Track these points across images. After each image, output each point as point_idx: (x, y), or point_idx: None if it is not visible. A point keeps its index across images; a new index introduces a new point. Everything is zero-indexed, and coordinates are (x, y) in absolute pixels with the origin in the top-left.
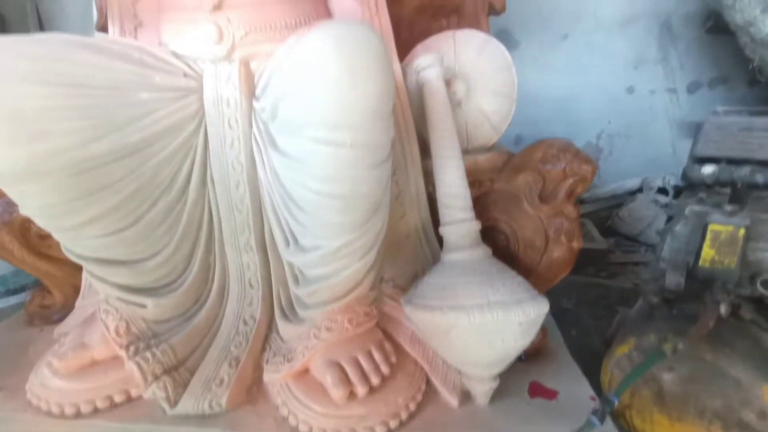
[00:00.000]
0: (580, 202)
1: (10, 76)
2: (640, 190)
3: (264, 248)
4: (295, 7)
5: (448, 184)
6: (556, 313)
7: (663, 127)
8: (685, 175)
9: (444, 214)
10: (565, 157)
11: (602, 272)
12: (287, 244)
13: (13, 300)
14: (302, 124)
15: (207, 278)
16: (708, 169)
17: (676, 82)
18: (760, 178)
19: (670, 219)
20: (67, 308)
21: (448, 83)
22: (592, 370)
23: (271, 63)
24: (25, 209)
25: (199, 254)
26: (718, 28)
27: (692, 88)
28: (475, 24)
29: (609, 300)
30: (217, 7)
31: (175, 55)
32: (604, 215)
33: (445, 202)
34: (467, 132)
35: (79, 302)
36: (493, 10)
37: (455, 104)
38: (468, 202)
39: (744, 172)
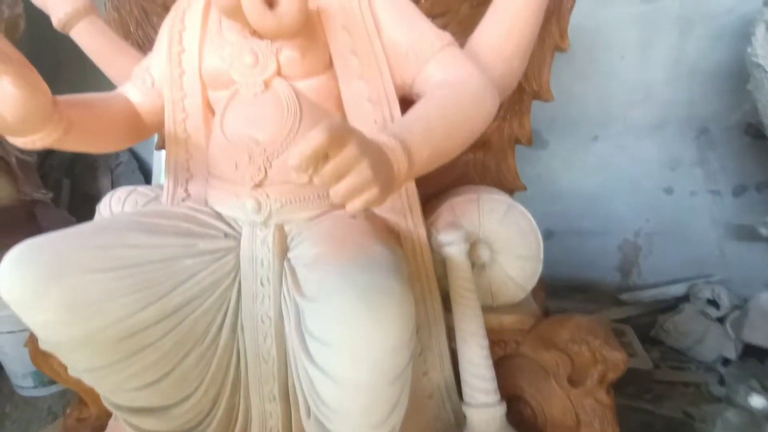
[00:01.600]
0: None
1: (75, 268)
2: (686, 297)
3: (287, 398)
4: None
5: (471, 362)
6: None
7: (707, 228)
8: (730, 400)
9: (467, 393)
10: (594, 342)
11: (646, 394)
12: (308, 415)
13: (54, 388)
14: (327, 350)
15: (230, 419)
16: (757, 402)
17: (719, 184)
18: None
19: (718, 400)
20: (101, 420)
21: (472, 246)
22: None
23: (303, 248)
24: (73, 371)
25: (225, 395)
26: (759, 134)
27: (738, 191)
28: (502, 156)
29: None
30: (258, 186)
31: (218, 216)
32: (647, 321)
33: (467, 380)
34: (492, 292)
35: (111, 422)
36: (519, 143)
37: (479, 267)
38: (492, 384)
39: None
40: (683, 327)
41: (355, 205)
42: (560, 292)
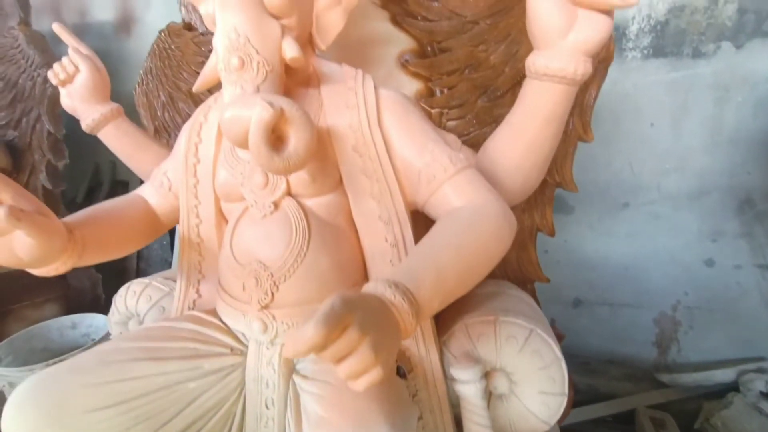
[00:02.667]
0: (661, 385)
1: (77, 409)
2: (735, 386)
3: None
4: None
5: None
6: None
7: (756, 305)
8: None
9: None
10: None
11: None
12: None
13: None
14: None
15: None
16: None
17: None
18: None
19: None
20: None
21: (488, 374)
22: None
23: (308, 391)
24: None
25: None
26: None
27: None
28: (522, 248)
29: None
30: (265, 308)
31: (226, 328)
32: (690, 408)
33: None
34: (511, 424)
35: None
36: (541, 232)
37: (497, 396)
38: None
39: None
40: (734, 424)
41: (357, 386)
42: (592, 364)
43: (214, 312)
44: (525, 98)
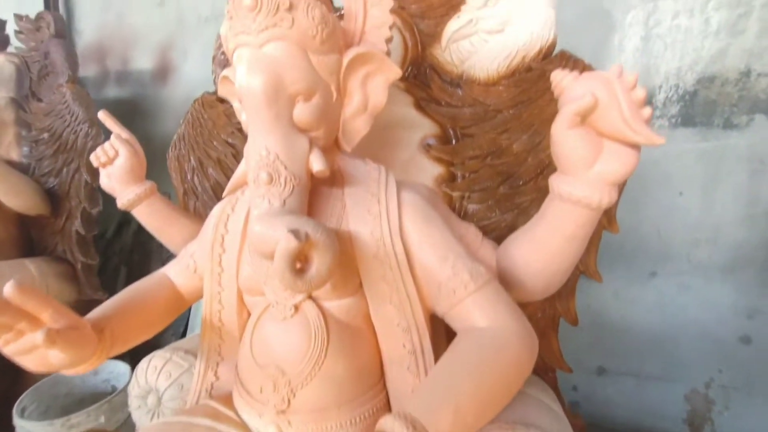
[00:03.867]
0: None
1: None
2: None
3: None
4: (353, 410)
5: None
6: None
7: None
8: None
9: None
10: None
11: None
12: None
13: None
14: None
15: None
16: None
17: None
18: None
19: None
20: None
21: None
22: None
23: None
24: None
25: None
26: None
27: None
28: (544, 337)
29: None
30: (281, 413)
31: (241, 423)
32: None
33: None
34: None
35: None
36: (564, 319)
37: None
38: None
39: None
40: None
41: None
42: None
43: (230, 401)
44: (548, 214)
